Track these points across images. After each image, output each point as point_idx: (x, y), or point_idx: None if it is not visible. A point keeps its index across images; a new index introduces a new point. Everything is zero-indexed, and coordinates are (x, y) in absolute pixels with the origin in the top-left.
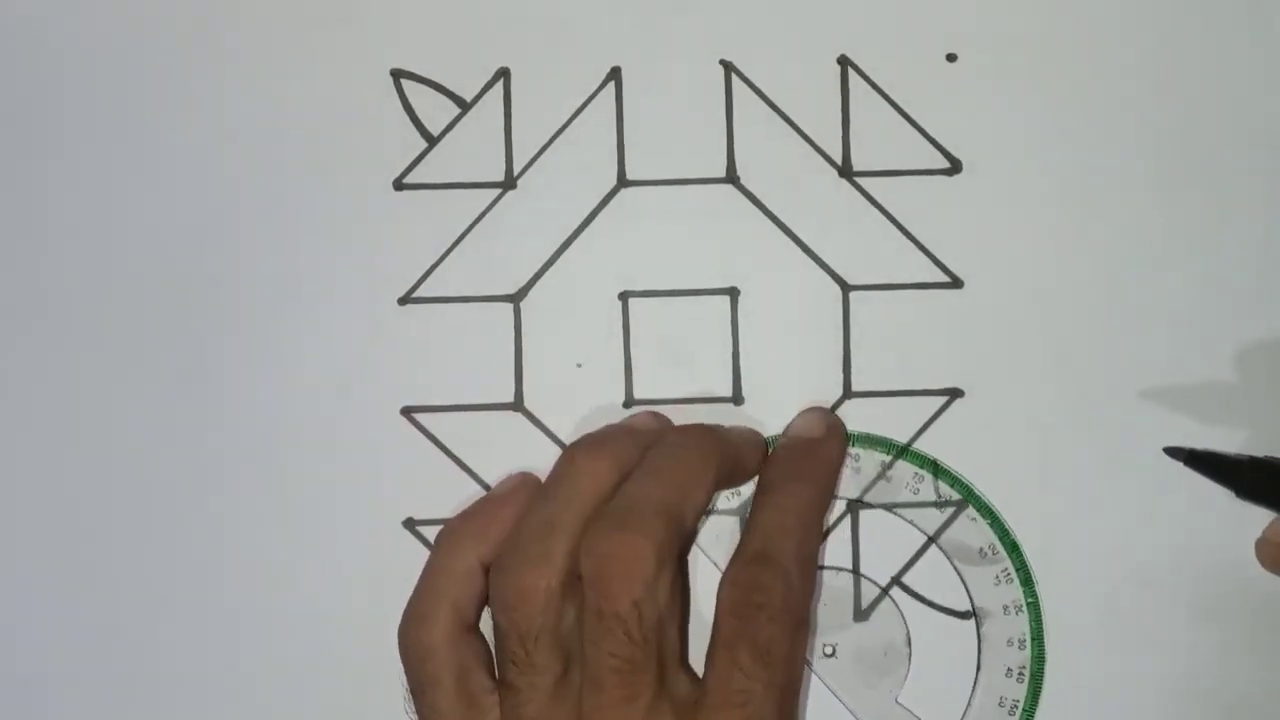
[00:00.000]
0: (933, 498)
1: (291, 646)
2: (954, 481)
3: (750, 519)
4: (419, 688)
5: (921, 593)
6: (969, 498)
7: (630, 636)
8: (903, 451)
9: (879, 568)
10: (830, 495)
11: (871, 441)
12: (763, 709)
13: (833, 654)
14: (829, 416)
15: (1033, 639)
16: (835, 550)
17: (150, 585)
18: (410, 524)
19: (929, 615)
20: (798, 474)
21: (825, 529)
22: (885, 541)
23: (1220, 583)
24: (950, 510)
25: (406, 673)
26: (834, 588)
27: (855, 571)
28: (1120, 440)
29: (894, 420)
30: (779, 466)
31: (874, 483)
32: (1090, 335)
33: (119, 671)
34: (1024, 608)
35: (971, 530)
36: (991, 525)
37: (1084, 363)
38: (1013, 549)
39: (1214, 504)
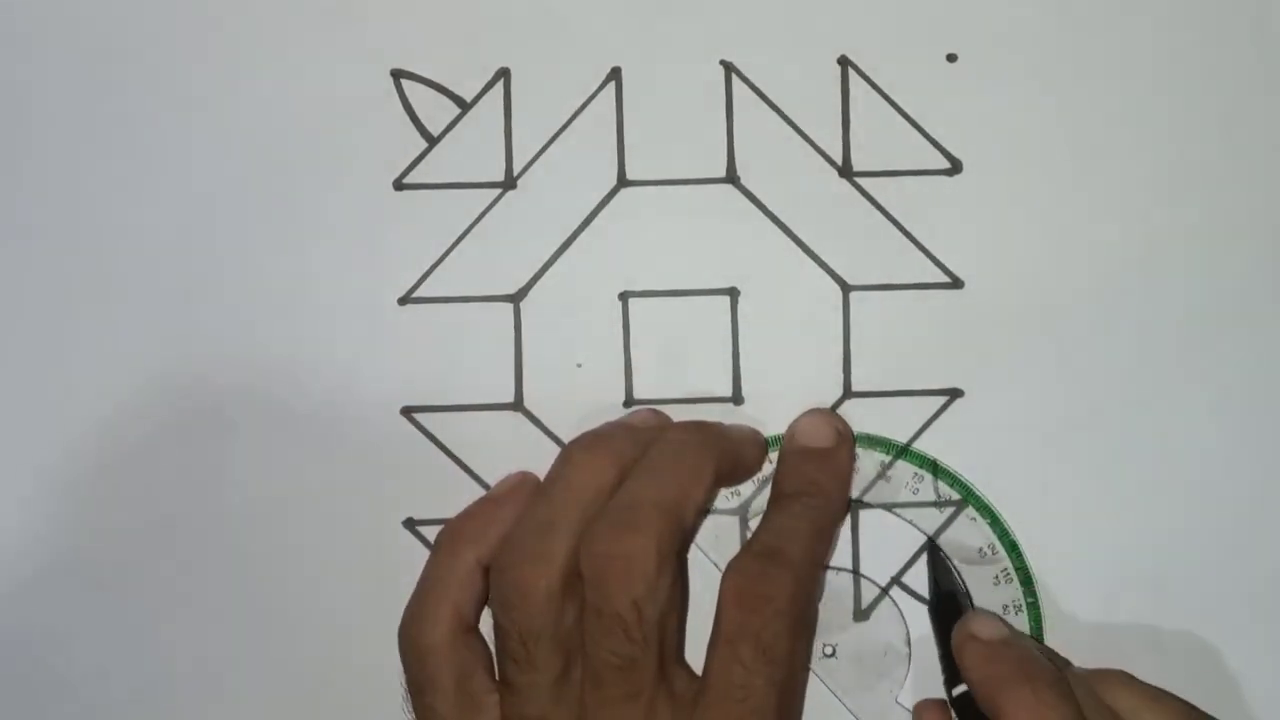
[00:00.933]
0: (932, 498)
1: (292, 646)
2: (954, 481)
3: (763, 521)
4: (417, 688)
5: (921, 593)
6: (969, 498)
7: (630, 635)
8: (902, 451)
9: (879, 568)
10: (845, 505)
11: (871, 441)
12: (762, 704)
13: (833, 654)
14: (836, 421)
15: (1032, 639)
16: (835, 550)
17: (149, 585)
18: (410, 524)
19: (929, 615)
20: (813, 485)
21: (836, 539)
22: (885, 541)
23: (1220, 583)
24: (950, 510)
25: (406, 673)
26: (834, 588)
27: (855, 571)
28: (1120, 440)
29: (894, 420)
30: (793, 478)
31: (874, 483)
32: (1090, 335)
33: (118, 671)
34: (1024, 608)
35: (971, 530)
36: (991, 525)
37: (1084, 363)
38: (1012, 549)
39: (1214, 504)
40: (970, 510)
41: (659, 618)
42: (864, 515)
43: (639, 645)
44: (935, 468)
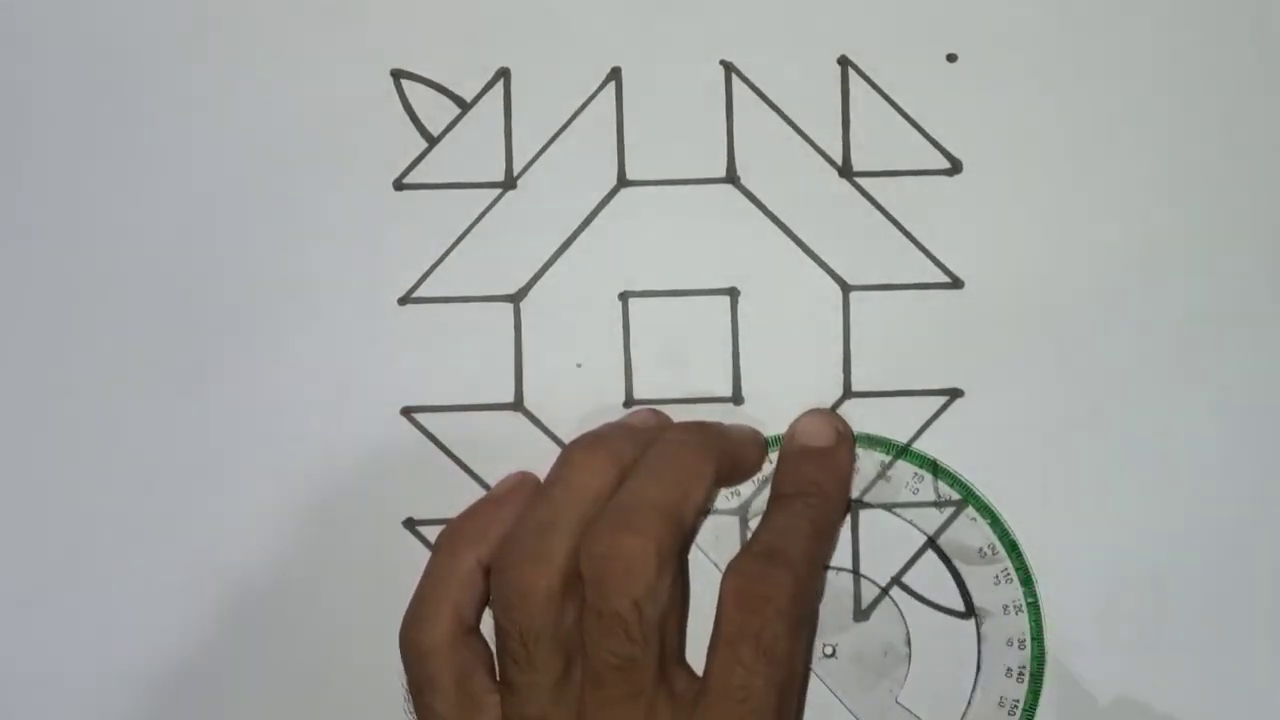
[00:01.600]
0: (932, 498)
1: (292, 646)
2: (954, 481)
3: (763, 522)
4: (417, 689)
5: (921, 592)
6: (969, 498)
7: (630, 636)
8: (903, 451)
9: (879, 568)
10: (845, 505)
11: (871, 441)
12: (762, 705)
13: (833, 654)
14: (836, 421)
15: (1033, 639)
16: (835, 550)
17: (150, 585)
18: (410, 524)
19: (929, 615)
20: (813, 485)
21: (836, 539)
22: (885, 541)
23: (1220, 583)
24: (950, 510)
25: (406, 673)
26: (834, 588)
27: (855, 571)
28: (1120, 440)
29: (894, 420)
30: (793, 478)
31: (874, 483)
32: (1090, 335)
33: (118, 671)
34: (1024, 608)
35: (971, 530)
36: (991, 525)
37: (1084, 363)
38: (1012, 549)
39: (1214, 504)
40: (970, 510)
41: (659, 618)
42: (864, 515)
43: (639, 645)
44: (935, 468)
